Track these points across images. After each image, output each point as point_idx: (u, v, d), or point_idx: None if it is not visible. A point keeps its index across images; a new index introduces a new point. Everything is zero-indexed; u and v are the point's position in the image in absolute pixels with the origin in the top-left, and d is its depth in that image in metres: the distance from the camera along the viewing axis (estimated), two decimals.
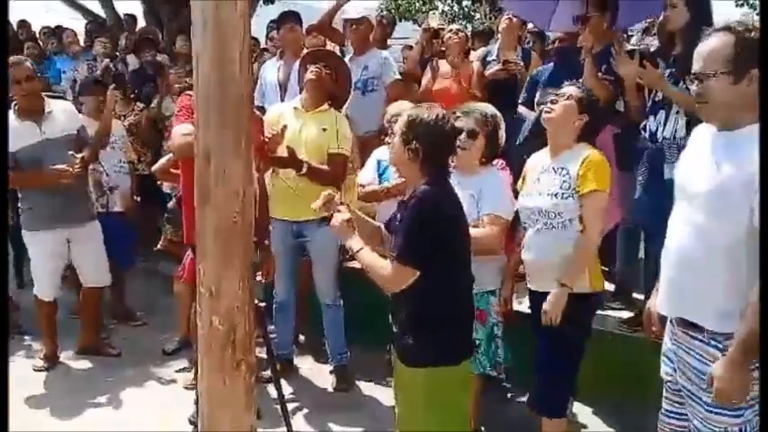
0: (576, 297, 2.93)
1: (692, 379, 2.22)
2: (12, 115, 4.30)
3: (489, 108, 3.32)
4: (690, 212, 2.18)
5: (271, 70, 5.25)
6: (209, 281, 2.13)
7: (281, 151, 3.81)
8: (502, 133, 3.31)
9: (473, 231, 2.96)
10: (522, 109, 4.63)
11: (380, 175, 4.08)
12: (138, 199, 5.36)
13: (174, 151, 3.38)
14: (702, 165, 2.18)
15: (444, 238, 2.44)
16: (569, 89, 3.06)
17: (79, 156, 4.24)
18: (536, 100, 4.55)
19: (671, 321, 2.34)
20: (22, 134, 4.22)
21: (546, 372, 3.02)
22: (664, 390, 2.41)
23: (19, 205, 4.44)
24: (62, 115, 4.40)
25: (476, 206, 3.11)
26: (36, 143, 4.23)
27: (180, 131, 3.21)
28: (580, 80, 3.88)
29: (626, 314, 4.02)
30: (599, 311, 3.43)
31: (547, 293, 2.98)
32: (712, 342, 2.14)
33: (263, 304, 2.90)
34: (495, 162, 3.37)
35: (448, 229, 2.46)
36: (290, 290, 4.26)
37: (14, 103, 4.35)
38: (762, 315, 1.96)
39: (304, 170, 3.84)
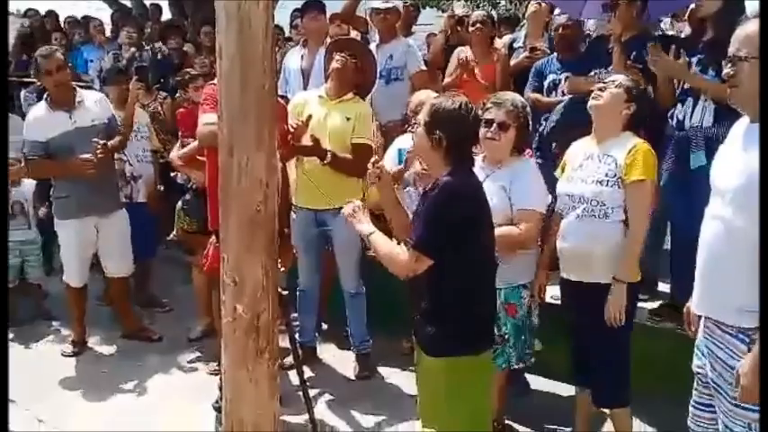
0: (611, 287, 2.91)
1: (720, 372, 2.20)
2: (43, 105, 4.40)
3: (520, 99, 3.28)
4: (719, 208, 2.15)
5: (294, 58, 5.25)
6: (232, 269, 2.16)
7: (306, 140, 3.82)
8: (530, 123, 3.28)
9: (506, 230, 2.97)
10: (531, 94, 4.58)
11: (401, 163, 4.07)
12: (162, 188, 5.40)
13: (199, 141, 3.41)
14: (732, 159, 2.14)
15: (465, 229, 2.43)
16: (618, 77, 3.01)
17: (102, 142, 4.30)
18: (564, 89, 4.51)
19: (704, 316, 2.31)
20: (53, 123, 4.30)
21: (605, 366, 3.02)
22: (695, 382, 2.39)
23: (51, 193, 4.52)
24: (93, 105, 4.48)
25: (507, 199, 3.07)
26: (67, 132, 4.31)
27: (204, 120, 3.24)
28: (610, 68, 3.86)
29: (650, 305, 3.98)
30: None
31: (581, 283, 2.97)
32: (740, 336, 2.12)
33: (285, 292, 2.92)
34: (525, 152, 3.33)
35: (469, 220, 2.45)
36: (314, 278, 4.28)
37: (46, 93, 4.43)
38: (761, 315, 1.95)
39: (328, 159, 3.85)
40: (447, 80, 5.07)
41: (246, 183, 2.10)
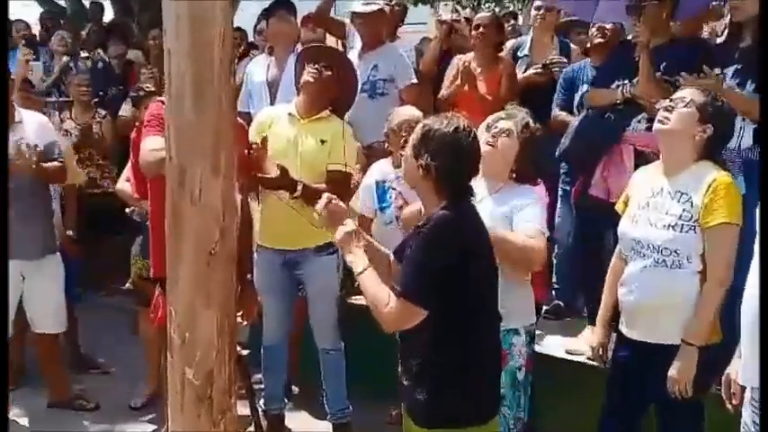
0: None
1: None
2: None
3: (532, 118, 3.30)
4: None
5: (258, 69, 5.27)
6: (181, 324, 2.14)
7: (270, 168, 3.79)
8: (539, 151, 3.27)
9: (512, 236, 2.97)
10: (560, 113, 4.63)
11: (381, 199, 4.10)
12: (71, 232, 5.25)
13: (143, 170, 3.38)
14: None
15: (462, 274, 2.43)
16: (688, 92, 2.96)
17: (35, 150, 4.30)
18: (579, 102, 4.55)
19: (751, 387, 2.32)
20: None
21: None
22: None
23: None
24: (32, 127, 4.50)
25: (509, 226, 3.08)
26: None
27: (148, 146, 3.18)
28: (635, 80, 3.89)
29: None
30: None
31: (647, 344, 2.94)
32: None
33: (245, 352, 2.89)
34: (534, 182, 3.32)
35: (466, 264, 2.44)
36: (282, 332, 4.23)
37: None
38: (762, 316, 1.98)
39: (298, 192, 3.81)
40: (443, 92, 5.09)
41: (200, 217, 2.10)
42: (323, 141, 3.96)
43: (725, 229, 2.78)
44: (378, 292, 2.49)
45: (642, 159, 3.74)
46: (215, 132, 2.08)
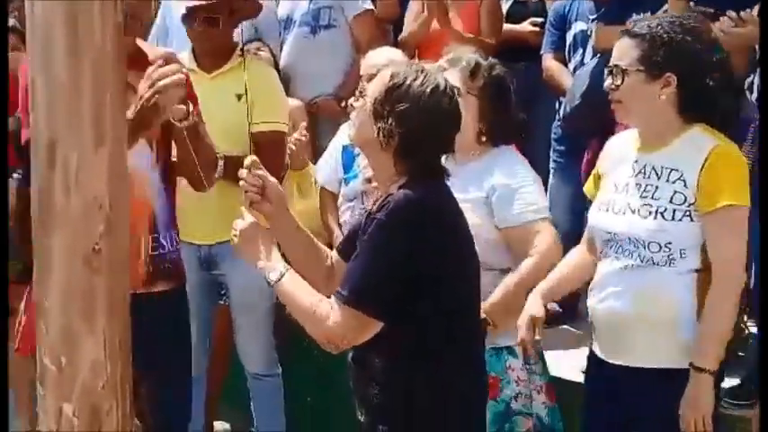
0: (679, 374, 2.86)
1: None
2: None
3: (488, 58, 3.37)
4: None
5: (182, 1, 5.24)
6: (55, 345, 2.13)
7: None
8: (508, 97, 3.32)
9: (522, 274, 3.15)
10: (550, 62, 4.71)
11: (346, 168, 4.15)
12: None
13: None
14: None
15: (430, 273, 2.45)
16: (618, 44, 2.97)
17: None
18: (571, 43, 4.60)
19: None
20: None
21: None
22: None
23: None
24: None
25: (491, 214, 3.15)
26: None
27: None
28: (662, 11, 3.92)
29: (729, 381, 4.03)
30: None
31: (626, 368, 2.95)
32: None
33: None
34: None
35: (436, 259, 2.46)
36: (198, 353, 4.19)
37: None
38: (762, 315, 2.12)
39: (219, 170, 3.79)
40: (406, 33, 5.12)
41: (77, 204, 2.09)
42: (239, 96, 3.93)
43: (730, 213, 2.78)
44: (312, 303, 2.49)
45: None
46: (97, 91, 2.07)
